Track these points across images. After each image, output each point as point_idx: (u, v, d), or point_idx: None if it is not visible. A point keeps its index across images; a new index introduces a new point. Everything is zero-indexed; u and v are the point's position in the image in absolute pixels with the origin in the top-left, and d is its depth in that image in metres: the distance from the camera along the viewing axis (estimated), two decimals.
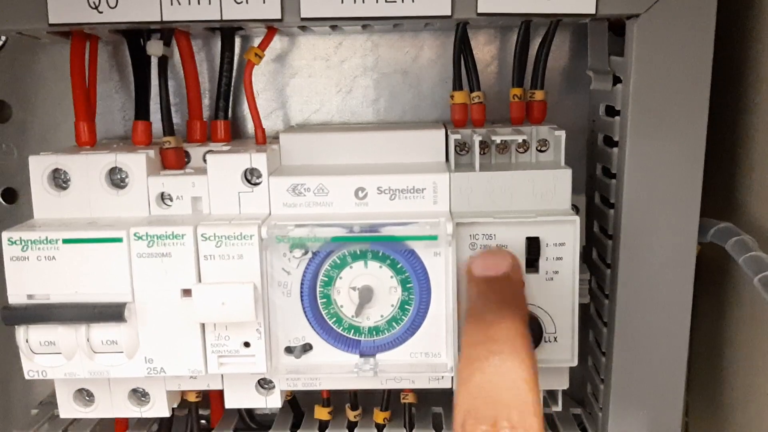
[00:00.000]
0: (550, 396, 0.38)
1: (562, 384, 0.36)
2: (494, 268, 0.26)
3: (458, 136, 0.36)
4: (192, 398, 0.40)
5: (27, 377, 0.34)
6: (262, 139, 0.38)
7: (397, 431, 0.40)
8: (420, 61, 0.42)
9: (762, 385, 0.36)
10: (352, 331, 0.34)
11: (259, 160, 0.34)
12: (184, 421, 0.42)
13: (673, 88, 0.33)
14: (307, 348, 0.34)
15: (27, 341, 0.33)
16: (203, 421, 0.44)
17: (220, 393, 0.37)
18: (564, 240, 0.33)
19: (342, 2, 0.32)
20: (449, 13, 0.32)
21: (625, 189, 0.34)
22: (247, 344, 0.33)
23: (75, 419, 0.41)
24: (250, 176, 0.34)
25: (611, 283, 0.36)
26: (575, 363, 0.34)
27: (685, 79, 0.32)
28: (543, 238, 0.33)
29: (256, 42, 0.38)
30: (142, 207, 0.34)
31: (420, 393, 0.41)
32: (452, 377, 0.35)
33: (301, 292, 0.33)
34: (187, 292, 0.33)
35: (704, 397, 0.43)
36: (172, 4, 0.32)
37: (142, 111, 0.37)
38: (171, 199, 0.35)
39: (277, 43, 0.42)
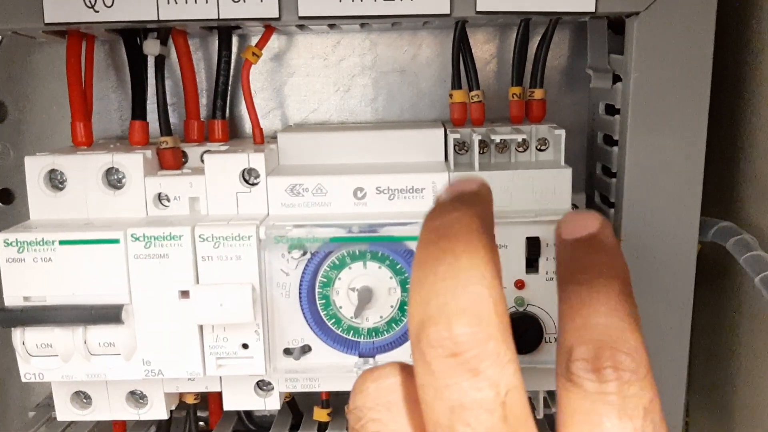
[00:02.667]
0: (550, 397, 0.38)
1: None
2: (582, 228, 0.24)
3: (457, 136, 0.35)
4: (190, 400, 0.39)
5: (24, 380, 0.33)
6: (260, 139, 0.38)
7: None
8: (419, 60, 0.41)
9: (763, 384, 0.36)
10: (351, 332, 0.34)
11: (257, 160, 0.34)
12: (182, 422, 0.42)
13: (673, 87, 0.32)
14: (306, 349, 0.34)
15: (23, 343, 0.33)
16: (202, 423, 0.43)
17: (219, 395, 0.37)
18: None
19: (340, 1, 0.32)
20: (448, 12, 0.32)
21: (625, 188, 0.34)
22: (245, 346, 0.33)
23: (72, 422, 0.41)
24: (248, 176, 0.34)
25: None
26: None
27: (685, 77, 0.32)
28: (543, 237, 0.33)
29: (254, 41, 0.38)
30: (139, 208, 0.34)
31: None
32: None
33: (300, 293, 0.33)
34: (185, 294, 0.32)
35: (705, 396, 0.43)
36: (168, 3, 0.32)
37: (138, 111, 0.37)
38: (168, 200, 0.34)
39: (275, 42, 0.42)
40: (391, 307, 0.33)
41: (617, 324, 0.19)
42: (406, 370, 0.19)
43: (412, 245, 0.32)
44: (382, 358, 0.34)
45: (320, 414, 0.41)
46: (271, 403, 0.36)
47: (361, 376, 0.19)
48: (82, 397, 0.36)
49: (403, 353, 0.33)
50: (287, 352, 0.34)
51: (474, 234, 0.20)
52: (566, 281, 0.21)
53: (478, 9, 0.32)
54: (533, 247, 0.33)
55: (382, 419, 0.18)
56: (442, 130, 0.37)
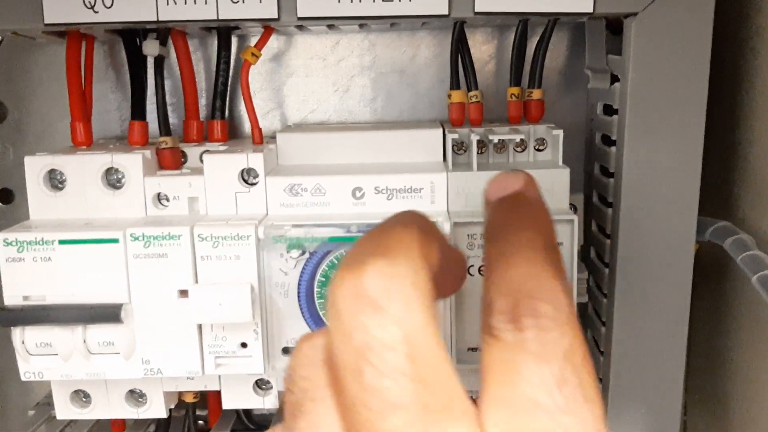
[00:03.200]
0: None
1: None
2: (506, 187, 0.24)
3: (456, 136, 0.35)
4: (189, 399, 0.40)
5: (23, 379, 0.34)
6: (259, 139, 0.38)
7: None
8: (417, 61, 0.42)
9: (761, 383, 0.36)
10: None
11: (256, 160, 0.34)
12: (181, 421, 0.42)
13: (671, 87, 0.32)
14: None
15: (23, 343, 0.33)
16: (201, 422, 0.44)
17: (218, 393, 0.37)
18: (562, 239, 0.33)
19: (339, 1, 0.32)
20: (446, 12, 0.32)
21: (623, 188, 0.34)
22: (244, 345, 0.33)
23: (72, 420, 0.41)
24: (247, 176, 0.34)
25: (609, 282, 0.36)
26: None
27: (683, 78, 0.32)
28: None
29: (253, 41, 0.38)
30: (138, 207, 0.34)
31: None
32: None
33: (299, 292, 0.33)
34: (183, 293, 0.32)
35: (703, 396, 0.43)
36: (168, 3, 0.32)
37: (138, 111, 0.37)
38: (167, 200, 0.34)
39: (274, 43, 0.42)
40: None
41: (537, 273, 0.19)
42: None
43: None
44: None
45: None
46: (270, 402, 0.36)
47: (299, 340, 0.19)
48: (81, 396, 0.36)
49: None
50: (286, 351, 0.34)
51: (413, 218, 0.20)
52: (489, 239, 0.22)
53: (476, 10, 0.32)
54: None
55: (310, 376, 0.18)
56: (441, 130, 0.37)
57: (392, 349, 0.16)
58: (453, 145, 0.36)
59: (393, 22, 0.35)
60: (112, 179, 0.35)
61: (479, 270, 0.33)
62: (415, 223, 0.19)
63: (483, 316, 0.18)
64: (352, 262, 0.17)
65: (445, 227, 0.32)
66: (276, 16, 0.32)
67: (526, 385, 0.16)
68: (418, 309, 0.17)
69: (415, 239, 0.18)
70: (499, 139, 0.35)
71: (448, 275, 0.21)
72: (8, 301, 0.33)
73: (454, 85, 0.37)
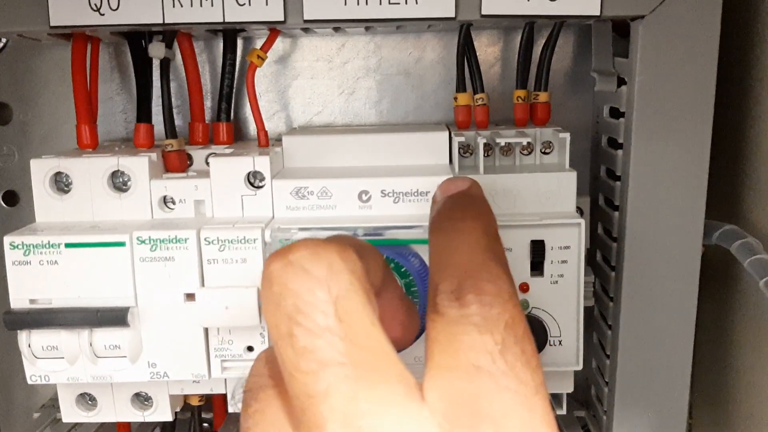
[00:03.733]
0: (554, 399, 0.38)
1: (567, 388, 0.36)
2: (453, 188, 0.26)
3: (462, 139, 0.35)
4: (195, 402, 0.39)
5: (29, 382, 0.34)
6: (265, 142, 0.38)
7: None
8: (423, 63, 0.41)
9: (767, 387, 0.36)
10: None
11: (262, 163, 0.34)
12: (186, 424, 0.42)
13: (678, 90, 0.32)
14: None
15: (29, 346, 0.33)
16: (206, 425, 0.44)
17: (223, 396, 0.37)
18: (569, 243, 0.33)
19: (345, 4, 0.32)
20: (453, 15, 0.32)
21: (629, 191, 0.34)
22: (250, 348, 0.33)
23: (77, 423, 0.41)
24: (253, 179, 0.34)
25: (616, 286, 0.36)
26: (580, 367, 0.34)
27: (690, 81, 0.32)
28: (547, 241, 0.33)
29: (259, 44, 0.38)
30: (144, 210, 0.34)
31: None
32: None
33: None
34: (190, 297, 0.32)
35: (709, 399, 0.43)
36: (174, 6, 0.32)
37: (144, 113, 0.37)
38: (174, 203, 0.34)
39: (279, 45, 0.42)
40: None
41: (480, 258, 0.20)
42: None
43: (417, 248, 0.33)
44: None
45: None
46: None
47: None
48: (87, 399, 0.36)
49: (409, 355, 0.33)
50: None
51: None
52: (434, 229, 0.23)
53: (483, 12, 0.32)
54: (538, 250, 0.33)
55: (259, 372, 0.20)
56: (447, 132, 0.37)
57: (320, 309, 0.16)
58: (459, 148, 0.35)
59: (399, 24, 0.35)
60: (118, 182, 0.35)
61: None
62: (354, 242, 0.20)
63: (429, 297, 0.19)
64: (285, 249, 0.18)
65: None
66: (282, 19, 0.32)
67: (468, 351, 0.17)
68: (345, 275, 0.17)
69: (351, 244, 0.19)
70: (505, 142, 0.35)
71: (394, 312, 0.22)
72: (15, 305, 0.33)
73: (461, 87, 0.37)
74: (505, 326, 0.17)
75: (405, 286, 0.33)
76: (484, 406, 0.16)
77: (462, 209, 0.24)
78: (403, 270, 0.33)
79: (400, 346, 0.21)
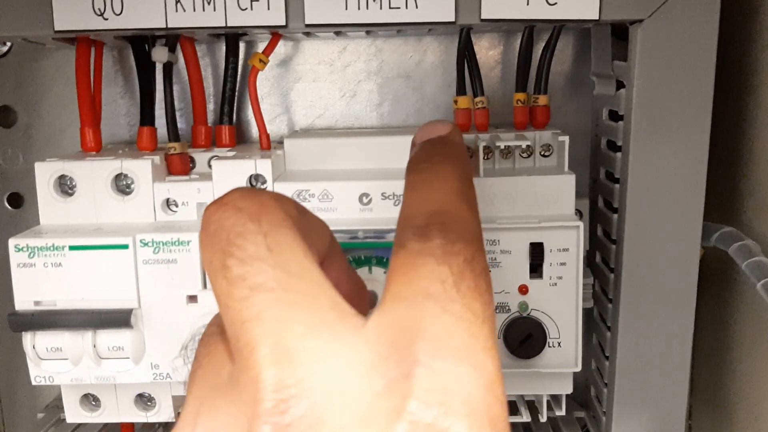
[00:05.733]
0: (554, 400, 0.38)
1: (566, 389, 0.36)
2: (433, 132, 0.26)
3: None
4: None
5: (34, 383, 0.34)
6: (267, 145, 0.38)
7: None
8: (423, 66, 0.42)
9: (765, 388, 0.36)
10: None
11: (264, 166, 0.34)
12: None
13: (676, 93, 0.33)
14: None
15: (34, 347, 0.33)
16: None
17: None
18: (568, 245, 0.33)
19: (346, 8, 0.32)
20: (453, 19, 0.32)
21: (628, 193, 0.34)
22: None
23: (81, 423, 0.42)
24: (255, 182, 0.35)
25: (615, 287, 0.36)
26: (579, 368, 0.34)
27: (688, 84, 0.32)
28: (547, 243, 0.33)
29: (261, 47, 0.38)
30: (147, 213, 0.35)
31: None
32: None
33: None
34: (192, 299, 0.33)
35: (707, 400, 0.43)
36: (177, 10, 0.32)
37: (147, 117, 0.37)
38: (176, 205, 0.35)
39: (281, 48, 0.42)
40: None
41: (452, 200, 0.20)
42: None
43: None
44: None
45: None
46: None
47: None
48: (90, 400, 0.37)
49: None
50: None
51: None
52: (410, 170, 0.23)
53: (482, 17, 0.32)
54: (537, 252, 0.33)
55: (209, 325, 0.20)
56: None
57: (251, 240, 0.17)
58: None
59: (400, 29, 0.35)
60: (122, 185, 0.35)
61: None
62: (297, 204, 0.20)
63: (396, 232, 0.19)
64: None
65: None
66: (284, 23, 0.32)
67: (422, 279, 0.17)
68: (278, 212, 0.18)
69: (293, 203, 0.19)
70: (505, 145, 0.35)
71: (338, 283, 0.22)
72: (19, 306, 0.33)
73: (460, 90, 0.37)
74: (464, 260, 0.17)
75: None
76: (425, 328, 0.16)
77: (440, 153, 0.24)
78: None
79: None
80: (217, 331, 0.19)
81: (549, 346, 0.34)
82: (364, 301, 0.25)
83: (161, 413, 0.37)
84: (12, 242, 0.32)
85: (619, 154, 0.35)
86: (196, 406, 0.17)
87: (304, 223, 0.19)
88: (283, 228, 0.17)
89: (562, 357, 0.34)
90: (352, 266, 0.22)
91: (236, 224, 0.17)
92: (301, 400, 0.15)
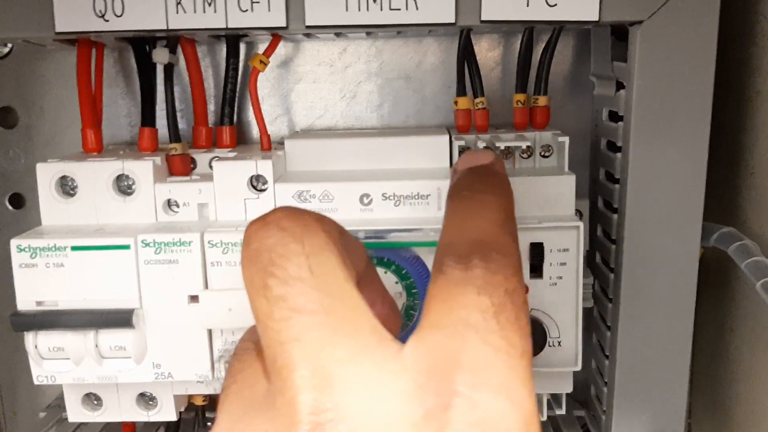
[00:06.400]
0: (554, 399, 0.38)
1: (566, 388, 0.36)
2: (477, 161, 0.26)
3: (462, 142, 0.36)
4: (199, 402, 0.40)
5: (36, 383, 0.34)
6: (268, 146, 0.38)
7: None
8: (424, 67, 0.42)
9: (764, 387, 0.37)
10: None
11: (265, 166, 0.34)
12: (191, 423, 0.42)
13: (675, 94, 0.33)
14: None
15: (36, 347, 0.33)
16: (210, 424, 0.44)
17: None
18: (568, 246, 0.33)
19: (346, 10, 0.32)
20: (453, 21, 0.32)
21: (628, 194, 0.34)
22: None
23: (82, 423, 0.42)
24: (256, 183, 0.35)
25: (615, 287, 0.36)
26: (579, 368, 0.34)
27: (688, 85, 0.33)
28: (547, 243, 0.33)
29: (261, 48, 0.38)
30: (149, 214, 0.35)
31: None
32: None
33: None
34: (194, 299, 0.33)
35: (707, 399, 0.43)
36: (177, 12, 0.32)
37: (148, 118, 0.38)
38: (178, 206, 0.35)
39: (282, 49, 0.42)
40: None
41: (494, 229, 0.20)
42: None
43: (418, 251, 0.33)
44: None
45: None
46: None
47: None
48: (92, 399, 0.37)
49: None
50: None
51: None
52: (453, 196, 0.23)
53: (482, 18, 0.32)
54: (537, 252, 0.33)
55: (244, 340, 0.20)
56: (447, 136, 0.37)
57: (294, 261, 0.17)
58: (459, 152, 0.36)
59: (400, 30, 0.36)
60: (123, 186, 0.35)
61: None
62: (338, 224, 0.20)
63: (436, 257, 0.19)
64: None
65: None
66: (284, 25, 0.32)
67: (462, 309, 0.17)
68: (320, 234, 0.18)
69: (333, 223, 0.19)
70: (505, 146, 0.35)
71: (373, 304, 0.22)
72: (21, 306, 0.33)
73: (461, 91, 0.37)
74: (505, 292, 0.17)
75: (406, 288, 0.33)
76: (464, 358, 0.16)
77: (483, 182, 0.23)
78: (404, 272, 0.33)
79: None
80: (251, 347, 0.19)
81: (549, 346, 0.34)
82: (396, 321, 0.24)
83: (162, 413, 0.37)
84: (14, 243, 0.33)
85: (618, 155, 0.36)
86: (230, 423, 0.18)
87: (344, 245, 0.19)
88: (326, 250, 0.17)
89: (563, 356, 0.34)
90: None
91: (279, 244, 0.17)
92: (338, 424, 0.15)
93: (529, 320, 0.18)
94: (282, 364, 0.16)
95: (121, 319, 0.33)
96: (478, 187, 0.23)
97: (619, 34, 0.37)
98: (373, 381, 0.16)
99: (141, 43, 0.37)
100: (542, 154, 0.37)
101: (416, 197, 0.34)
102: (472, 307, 0.17)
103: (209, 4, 0.32)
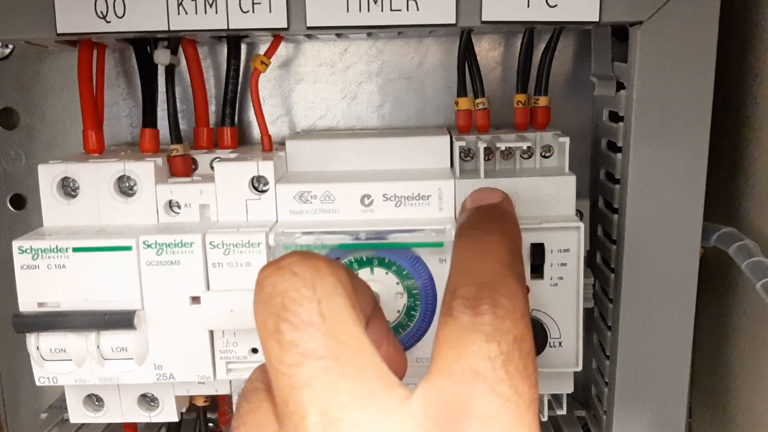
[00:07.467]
0: (555, 399, 0.38)
1: (567, 388, 0.36)
2: (485, 199, 0.26)
3: (463, 143, 0.36)
4: (200, 402, 0.40)
5: (38, 384, 0.34)
6: (269, 146, 0.38)
7: None
8: (424, 67, 0.42)
9: (764, 387, 0.37)
10: None
11: (266, 167, 0.34)
12: (192, 424, 0.42)
13: (676, 94, 0.33)
14: None
15: (38, 348, 0.33)
16: (211, 425, 0.44)
17: (228, 397, 0.37)
18: (568, 246, 0.33)
19: (347, 11, 0.32)
20: (454, 21, 0.32)
21: (628, 194, 0.34)
22: (255, 350, 0.34)
23: (84, 424, 0.42)
24: (258, 184, 0.35)
25: (615, 287, 0.36)
26: (580, 368, 0.34)
27: (688, 86, 0.33)
28: (547, 244, 0.33)
29: (262, 49, 0.38)
30: (150, 215, 0.35)
31: None
32: None
33: None
34: (195, 300, 0.33)
35: (708, 399, 0.43)
36: (179, 13, 0.32)
37: (149, 118, 0.38)
38: (179, 207, 0.35)
39: (283, 50, 0.42)
40: (398, 312, 0.34)
41: (501, 271, 0.20)
42: None
43: (419, 252, 0.33)
44: None
45: None
46: None
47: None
48: (94, 400, 0.37)
49: (409, 358, 0.34)
50: None
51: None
52: (460, 235, 0.23)
53: (483, 18, 0.32)
54: (538, 253, 0.33)
55: (254, 380, 0.20)
56: (448, 137, 0.37)
57: (305, 306, 0.17)
58: (460, 152, 0.36)
59: (401, 31, 0.36)
60: (125, 187, 0.35)
61: None
62: (346, 267, 0.20)
63: (445, 299, 0.19)
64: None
65: (453, 235, 0.32)
66: (285, 26, 0.32)
67: (471, 356, 0.17)
68: (331, 278, 0.18)
69: (342, 265, 0.19)
70: (506, 146, 0.35)
71: (379, 345, 0.22)
72: (23, 308, 0.33)
73: (461, 92, 0.37)
74: (514, 339, 0.18)
75: (407, 289, 0.33)
76: (473, 408, 0.16)
77: (492, 222, 0.24)
78: (405, 273, 0.33)
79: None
80: (261, 387, 0.19)
81: (550, 346, 0.34)
82: (402, 360, 0.25)
83: (164, 413, 0.37)
84: (15, 244, 0.33)
85: (619, 155, 0.36)
86: None
87: (354, 288, 0.19)
88: (336, 295, 0.18)
89: (563, 356, 0.34)
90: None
91: (291, 289, 0.17)
92: None
93: (536, 367, 0.18)
94: (293, 409, 0.16)
95: (123, 320, 0.33)
96: (486, 227, 0.23)
97: (620, 34, 0.37)
98: (382, 427, 0.16)
99: (142, 44, 0.37)
100: (543, 154, 0.37)
101: (417, 198, 0.34)
102: (480, 355, 0.17)
103: (210, 5, 0.32)
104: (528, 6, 0.32)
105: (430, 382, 0.17)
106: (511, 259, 0.21)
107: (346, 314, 0.17)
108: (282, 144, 0.38)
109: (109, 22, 0.33)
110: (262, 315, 0.18)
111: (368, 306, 0.21)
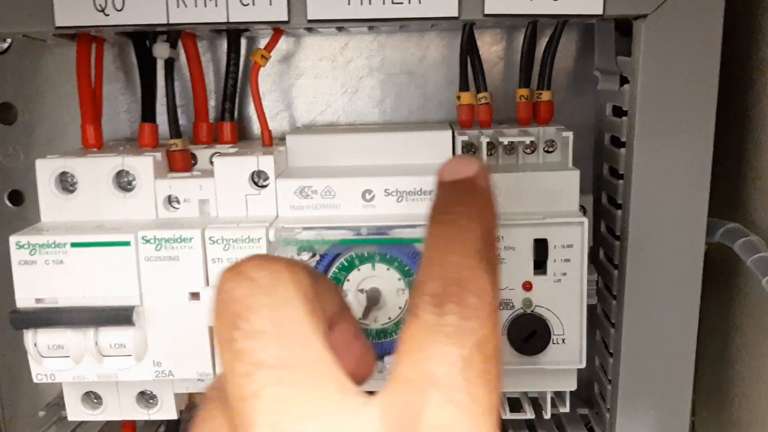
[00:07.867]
0: (557, 397, 0.38)
1: (570, 386, 0.36)
2: (460, 172, 0.25)
3: (465, 138, 0.36)
4: (199, 400, 0.40)
5: (35, 381, 0.34)
6: (269, 141, 0.38)
7: None
8: (426, 62, 0.42)
9: None
10: None
11: (266, 162, 0.34)
12: (191, 422, 0.42)
13: (680, 89, 0.32)
14: None
15: (35, 345, 0.33)
16: None
17: None
18: (572, 242, 0.33)
19: (348, 4, 0.32)
20: (456, 15, 0.32)
21: (632, 189, 0.34)
22: None
23: (82, 421, 0.42)
24: (258, 178, 0.34)
25: (619, 284, 0.36)
26: (583, 365, 0.34)
27: (693, 80, 0.32)
28: (551, 239, 0.33)
29: (262, 43, 0.38)
30: (149, 210, 0.34)
31: None
32: None
33: None
34: (195, 296, 0.33)
35: (712, 397, 0.43)
36: (178, 6, 0.32)
37: (148, 113, 0.37)
38: (178, 202, 0.35)
39: (283, 44, 0.42)
40: (400, 308, 0.33)
41: (470, 264, 0.19)
42: None
43: (420, 247, 0.33)
44: (390, 360, 0.34)
45: None
46: None
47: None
48: (92, 398, 0.37)
49: None
50: None
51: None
52: (432, 220, 0.22)
53: (485, 12, 0.32)
54: (541, 248, 0.33)
55: (212, 388, 0.20)
56: (450, 132, 0.37)
57: (259, 314, 0.17)
58: (462, 147, 0.36)
59: (402, 24, 0.35)
60: (123, 182, 0.35)
61: None
62: (309, 268, 0.20)
63: (412, 295, 0.19)
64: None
65: None
66: (286, 19, 0.32)
67: (429, 360, 0.17)
68: (290, 285, 0.17)
69: (305, 267, 0.19)
70: (508, 141, 0.35)
71: (348, 345, 0.22)
72: (20, 304, 0.33)
73: (464, 86, 0.37)
74: (476, 343, 0.17)
75: (408, 285, 0.33)
76: (427, 417, 0.16)
77: (463, 203, 0.23)
78: (406, 269, 0.33)
79: (353, 381, 0.22)
80: (217, 396, 0.19)
81: (553, 343, 0.34)
82: (370, 360, 0.24)
83: (163, 411, 0.37)
84: (13, 239, 0.32)
85: (623, 150, 0.35)
86: None
87: (316, 290, 0.18)
88: (294, 301, 0.17)
89: (567, 354, 0.34)
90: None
91: (246, 295, 0.17)
92: None
93: (500, 371, 0.18)
94: (242, 421, 0.16)
95: (122, 316, 0.32)
96: (458, 209, 0.22)
97: (624, 28, 0.36)
98: None
99: (141, 38, 0.37)
100: (546, 149, 0.36)
101: (419, 193, 0.34)
102: (439, 359, 0.17)
103: None
104: None
105: (388, 389, 0.17)
106: (482, 246, 0.20)
107: (302, 322, 0.17)
108: (282, 139, 0.38)
109: (108, 15, 0.32)
110: (218, 321, 0.17)
111: (334, 306, 0.21)
